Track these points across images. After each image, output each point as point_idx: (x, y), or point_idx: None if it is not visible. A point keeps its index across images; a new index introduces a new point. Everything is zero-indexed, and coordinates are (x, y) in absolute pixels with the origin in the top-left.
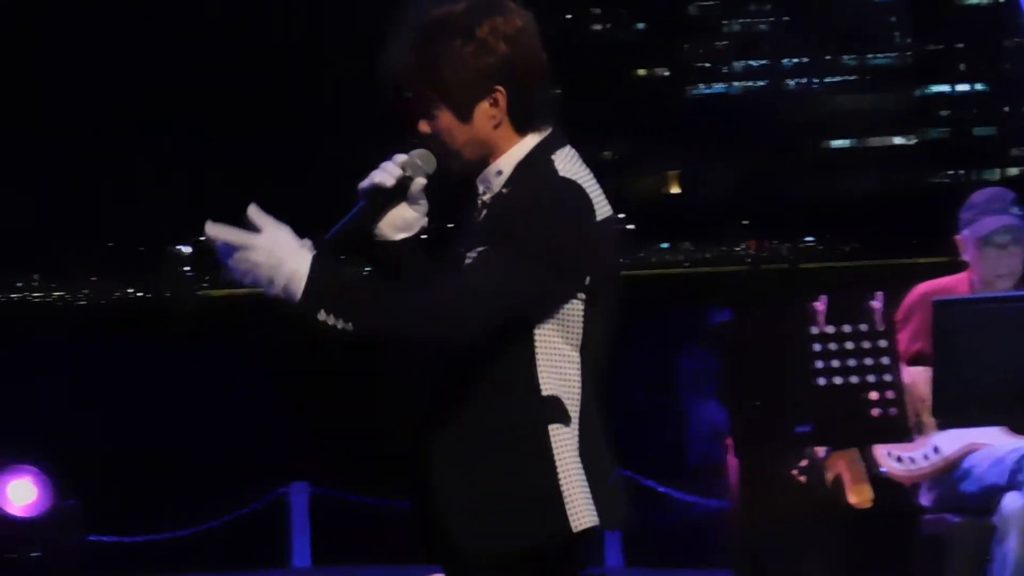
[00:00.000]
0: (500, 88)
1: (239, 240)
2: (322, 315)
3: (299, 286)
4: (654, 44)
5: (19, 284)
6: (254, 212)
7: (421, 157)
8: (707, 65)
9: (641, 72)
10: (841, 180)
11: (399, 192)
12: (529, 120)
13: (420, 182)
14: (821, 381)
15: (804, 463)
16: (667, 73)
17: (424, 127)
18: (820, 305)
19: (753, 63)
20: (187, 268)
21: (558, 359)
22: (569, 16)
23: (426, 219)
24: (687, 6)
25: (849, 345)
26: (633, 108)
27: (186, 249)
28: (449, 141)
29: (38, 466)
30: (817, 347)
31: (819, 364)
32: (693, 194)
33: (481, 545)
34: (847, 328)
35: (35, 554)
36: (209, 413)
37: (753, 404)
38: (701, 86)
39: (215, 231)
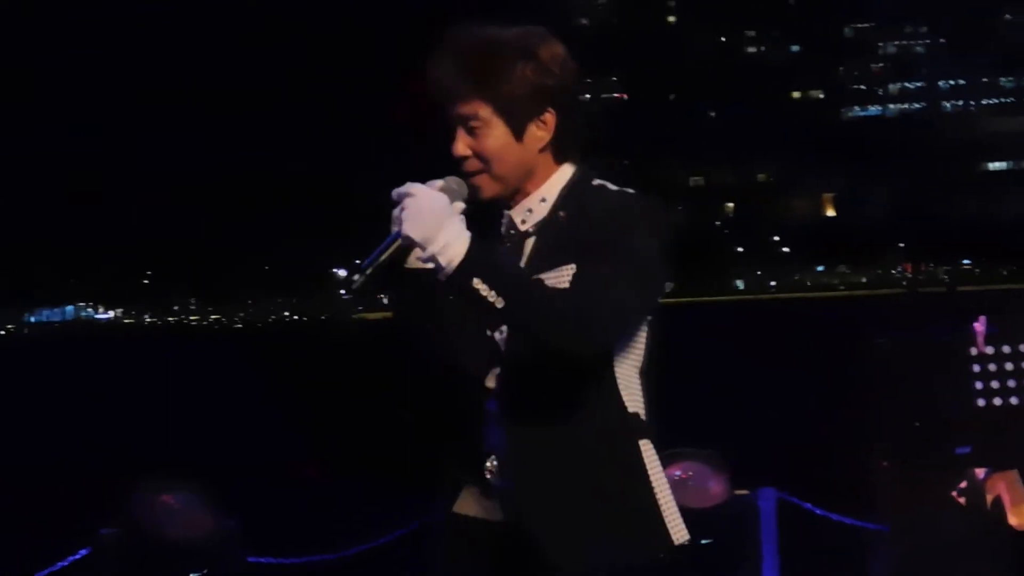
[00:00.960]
0: (551, 110)
1: (417, 190)
2: (477, 283)
3: (461, 248)
4: (809, 66)
5: (175, 307)
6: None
7: (456, 183)
8: (863, 87)
9: (796, 94)
10: (998, 202)
11: None
12: (570, 147)
13: (458, 206)
14: (981, 402)
15: (964, 484)
16: (822, 95)
17: (461, 148)
18: (979, 327)
19: (909, 85)
20: (343, 292)
21: (631, 382)
22: (724, 39)
23: None
24: (842, 28)
25: (1009, 366)
26: (788, 130)
27: (343, 272)
28: (495, 161)
29: (197, 487)
30: (976, 368)
31: (979, 385)
32: (849, 216)
33: (586, 563)
34: (1007, 349)
35: (194, 574)
36: (369, 430)
37: (912, 425)
38: (857, 108)
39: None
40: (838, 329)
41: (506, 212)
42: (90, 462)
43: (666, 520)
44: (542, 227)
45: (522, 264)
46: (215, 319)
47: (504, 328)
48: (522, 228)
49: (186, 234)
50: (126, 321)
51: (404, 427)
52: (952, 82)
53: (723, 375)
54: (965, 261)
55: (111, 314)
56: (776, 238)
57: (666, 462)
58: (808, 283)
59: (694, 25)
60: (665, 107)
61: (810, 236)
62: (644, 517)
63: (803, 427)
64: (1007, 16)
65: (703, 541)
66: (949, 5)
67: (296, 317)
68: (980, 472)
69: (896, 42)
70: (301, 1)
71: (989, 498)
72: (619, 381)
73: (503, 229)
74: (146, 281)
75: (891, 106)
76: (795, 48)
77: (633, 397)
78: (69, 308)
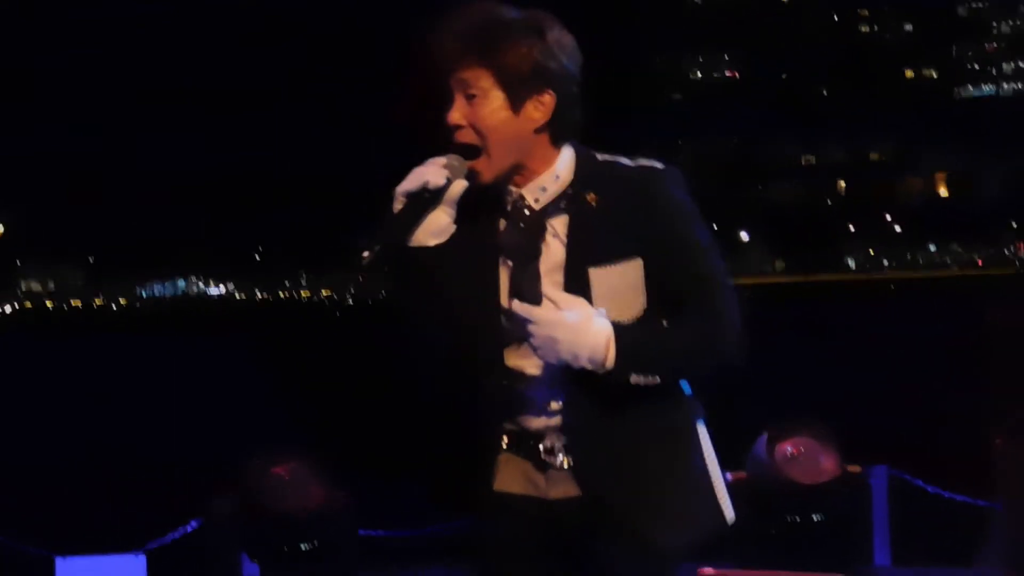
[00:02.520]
0: (550, 92)
1: (536, 315)
2: (634, 378)
3: (606, 354)
4: (922, 45)
5: (287, 282)
6: (551, 292)
7: (457, 160)
8: (976, 66)
9: (909, 74)
10: None
11: (438, 195)
12: (566, 133)
13: (461, 184)
14: None
15: None
16: (935, 74)
17: (457, 116)
18: None
19: (1023, 64)
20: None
21: None
22: (836, 18)
23: (455, 226)
24: (956, 7)
25: None
26: (901, 109)
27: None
28: (490, 133)
29: (310, 459)
30: None
31: None
32: (961, 196)
33: (658, 538)
34: None
35: (305, 546)
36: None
37: None
38: (970, 87)
39: (519, 307)
40: (951, 307)
41: (513, 189)
42: (202, 433)
43: (720, 500)
44: (571, 208)
45: (551, 243)
46: (326, 295)
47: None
48: (536, 207)
49: (190, 233)
50: (238, 296)
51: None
52: None
53: (835, 352)
54: None
55: (222, 289)
56: (888, 217)
57: (778, 437)
58: (920, 262)
59: (806, 3)
60: (777, 85)
61: (922, 215)
62: (703, 496)
63: (916, 404)
64: None
65: (814, 517)
66: None
67: None
68: None
69: (1010, 21)
70: (301, 1)
71: None
72: None
73: (510, 207)
74: (258, 257)
75: (1005, 85)
76: (908, 27)
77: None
78: (181, 282)
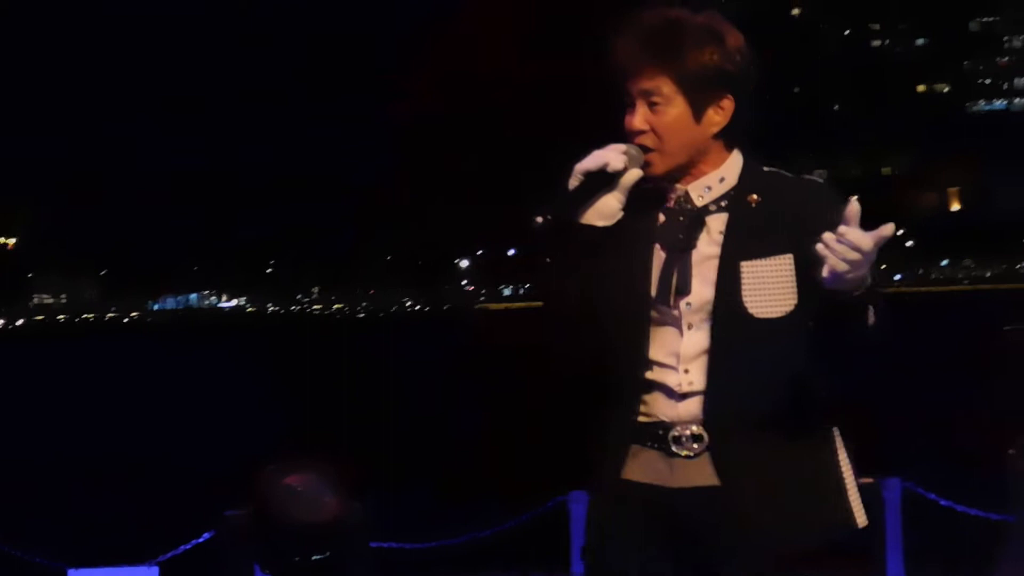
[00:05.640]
0: (729, 96)
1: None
2: (869, 313)
3: (869, 278)
4: (934, 60)
5: (299, 296)
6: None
7: (636, 150)
8: (988, 81)
9: (921, 88)
10: None
11: (614, 179)
12: (740, 135)
13: (636, 173)
14: None
15: None
16: (947, 89)
17: (639, 122)
18: None
19: None
20: (464, 282)
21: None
22: (848, 32)
23: (622, 213)
24: (967, 22)
25: None
26: (913, 124)
27: (465, 263)
28: (671, 138)
29: (322, 470)
30: None
31: None
32: (974, 210)
33: (787, 535)
34: None
35: (318, 557)
36: (490, 421)
37: None
38: (982, 102)
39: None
40: (963, 321)
41: (677, 186)
42: (215, 444)
43: (851, 503)
44: (731, 206)
45: (706, 238)
46: (337, 308)
47: (689, 301)
48: (699, 204)
49: (189, 233)
50: (249, 310)
51: (534, 415)
52: None
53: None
54: None
55: (234, 302)
56: (900, 232)
57: None
58: (932, 277)
59: (819, 17)
60: (789, 100)
61: (935, 230)
62: (835, 498)
63: (929, 417)
64: None
65: None
66: None
67: (418, 307)
68: None
69: (1021, 35)
70: (301, 1)
71: None
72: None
73: (673, 203)
74: (269, 271)
75: (1017, 100)
76: (920, 41)
77: (823, 384)
78: (193, 296)
